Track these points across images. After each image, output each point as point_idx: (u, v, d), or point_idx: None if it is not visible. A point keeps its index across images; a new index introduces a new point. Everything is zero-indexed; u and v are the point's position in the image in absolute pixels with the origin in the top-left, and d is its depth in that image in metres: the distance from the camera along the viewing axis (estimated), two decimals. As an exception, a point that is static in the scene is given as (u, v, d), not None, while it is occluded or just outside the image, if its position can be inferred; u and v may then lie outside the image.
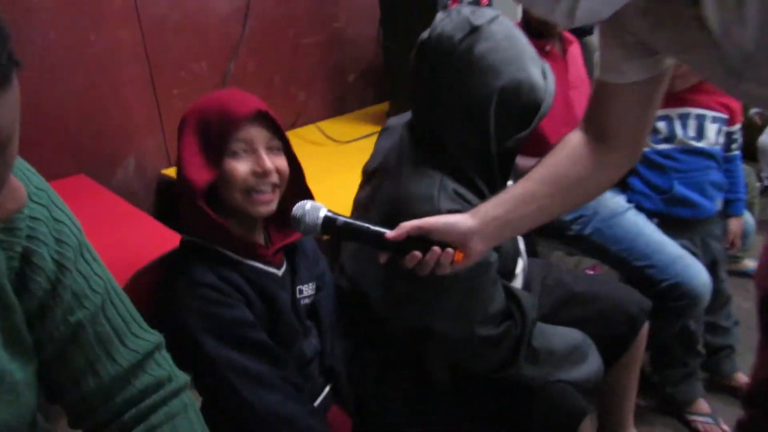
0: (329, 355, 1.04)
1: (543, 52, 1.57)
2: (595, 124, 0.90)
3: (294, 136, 2.11)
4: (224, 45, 2.00)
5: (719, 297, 1.63)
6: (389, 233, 0.84)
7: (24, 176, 0.63)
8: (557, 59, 1.60)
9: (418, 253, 0.84)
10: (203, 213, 0.89)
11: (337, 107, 2.40)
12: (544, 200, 0.89)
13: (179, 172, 0.91)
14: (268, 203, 0.93)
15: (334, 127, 2.14)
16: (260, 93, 2.09)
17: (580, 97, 1.61)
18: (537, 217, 0.90)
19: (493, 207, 0.87)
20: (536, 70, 1.00)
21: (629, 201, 1.60)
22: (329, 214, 0.86)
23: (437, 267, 0.85)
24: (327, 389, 1.04)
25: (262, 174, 0.91)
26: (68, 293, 0.65)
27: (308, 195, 1.01)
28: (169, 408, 0.70)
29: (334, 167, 1.80)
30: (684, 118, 1.56)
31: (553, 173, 0.90)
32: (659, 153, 1.58)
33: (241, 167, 0.90)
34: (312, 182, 1.51)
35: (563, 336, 1.12)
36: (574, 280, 1.32)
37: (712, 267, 1.56)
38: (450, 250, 0.84)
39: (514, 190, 0.90)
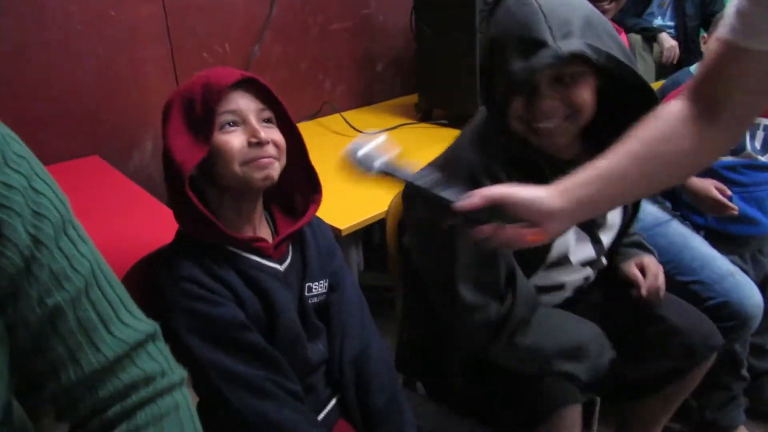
0: (338, 362, 0.95)
1: None
2: (710, 95, 0.77)
3: (318, 126, 2.04)
4: (249, 27, 1.93)
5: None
6: (461, 202, 0.74)
7: (4, 141, 0.57)
8: None
9: (490, 228, 0.75)
10: (191, 204, 0.81)
11: (364, 97, 2.31)
12: (633, 181, 0.78)
13: (165, 160, 0.83)
14: (269, 167, 0.85)
15: (360, 117, 2.05)
16: (285, 79, 2.06)
17: None
18: (621, 199, 0.81)
19: (581, 187, 0.77)
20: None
21: (674, 211, 1.49)
22: (387, 165, 0.76)
23: (507, 245, 0.76)
24: (333, 401, 0.95)
25: (257, 144, 0.83)
26: (45, 272, 0.58)
27: (312, 172, 0.95)
28: (158, 407, 0.62)
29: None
30: (752, 129, 1.42)
31: (647, 150, 0.77)
32: (721, 164, 1.44)
33: (234, 140, 0.83)
34: (335, 175, 1.41)
35: (563, 334, 1.04)
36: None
37: (762, 285, 1.44)
38: (527, 231, 0.75)
39: (601, 167, 0.77)
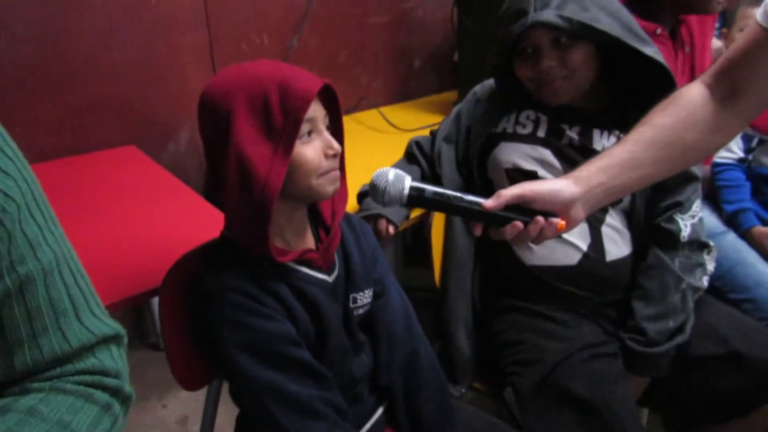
0: (385, 371, 0.92)
1: (653, 35, 1.34)
2: (732, 80, 0.80)
3: (353, 121, 2.01)
4: (288, 18, 1.90)
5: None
6: (487, 202, 0.77)
7: None
8: (668, 46, 1.40)
9: (519, 224, 0.78)
10: (263, 221, 0.74)
11: (401, 93, 2.27)
12: (650, 167, 0.82)
13: (235, 168, 0.73)
14: (337, 179, 0.82)
15: (398, 113, 2.01)
16: (323, 72, 1.99)
17: None
18: (638, 185, 0.84)
19: (597, 173, 0.81)
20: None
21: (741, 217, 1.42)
22: (416, 184, 0.79)
23: (538, 237, 0.79)
24: (380, 410, 0.92)
25: (333, 156, 0.80)
26: (19, 234, 0.53)
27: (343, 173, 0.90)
28: (91, 393, 0.55)
29: (396, 156, 1.67)
30: None
31: (666, 137, 0.81)
32: None
33: (311, 151, 0.77)
34: (372, 171, 1.37)
35: None
36: (717, 314, 1.12)
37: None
38: (554, 220, 0.78)
39: (618, 154, 0.82)
